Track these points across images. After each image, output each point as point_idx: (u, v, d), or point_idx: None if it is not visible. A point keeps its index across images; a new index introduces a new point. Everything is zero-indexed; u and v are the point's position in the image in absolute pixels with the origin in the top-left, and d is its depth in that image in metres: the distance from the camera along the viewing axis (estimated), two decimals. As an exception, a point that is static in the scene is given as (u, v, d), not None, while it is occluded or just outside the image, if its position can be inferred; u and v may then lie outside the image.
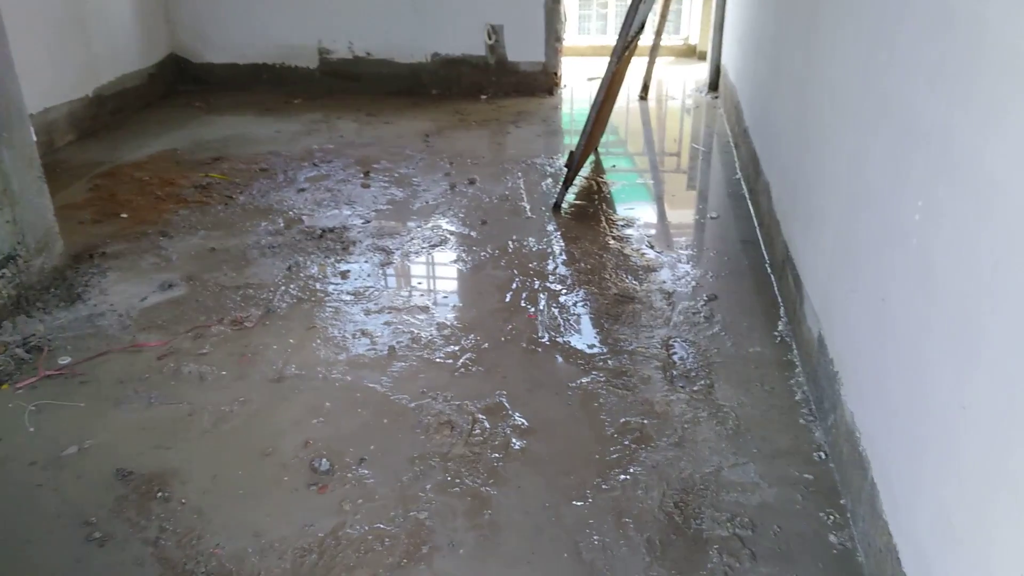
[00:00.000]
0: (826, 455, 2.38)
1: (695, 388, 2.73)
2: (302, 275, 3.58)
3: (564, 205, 4.36)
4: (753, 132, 4.52)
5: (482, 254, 3.79)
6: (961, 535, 1.48)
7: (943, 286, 1.65)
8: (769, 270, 3.57)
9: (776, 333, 3.06)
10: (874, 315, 2.08)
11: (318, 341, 3.05)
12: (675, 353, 2.94)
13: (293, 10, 6.83)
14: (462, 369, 2.86)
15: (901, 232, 1.92)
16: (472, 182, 4.73)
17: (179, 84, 7.06)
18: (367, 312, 3.26)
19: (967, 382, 1.50)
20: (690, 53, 8.16)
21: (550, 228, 4.09)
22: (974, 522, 1.45)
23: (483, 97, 6.82)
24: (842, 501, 2.20)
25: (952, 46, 1.68)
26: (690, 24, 8.43)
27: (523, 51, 6.81)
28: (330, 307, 3.30)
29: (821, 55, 2.93)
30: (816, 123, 2.93)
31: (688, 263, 3.68)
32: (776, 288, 3.39)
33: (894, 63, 2.06)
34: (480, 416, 2.59)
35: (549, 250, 3.83)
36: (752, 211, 4.22)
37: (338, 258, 3.75)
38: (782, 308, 3.23)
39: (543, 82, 6.89)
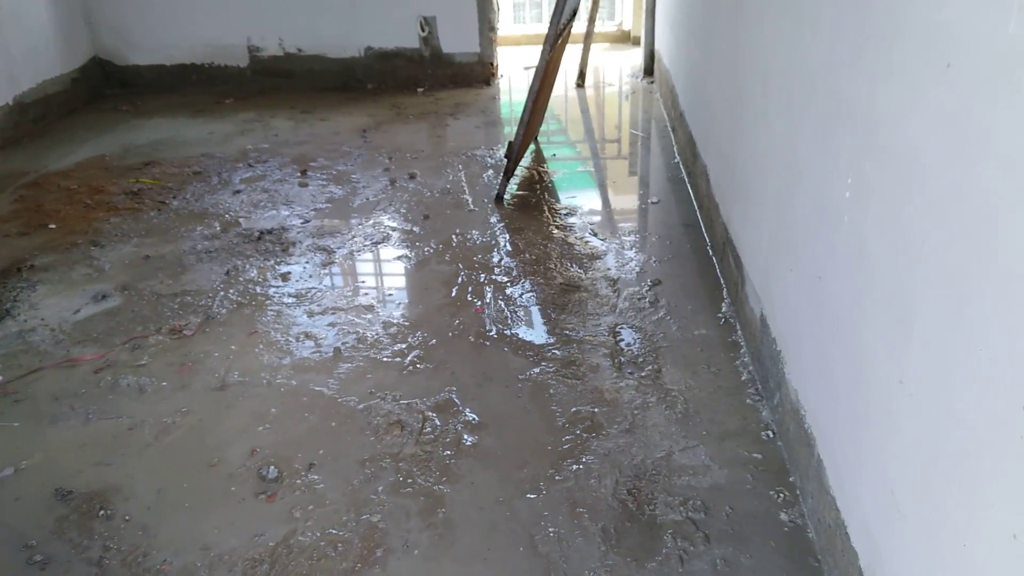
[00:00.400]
0: (774, 434, 2.42)
1: (643, 374, 2.75)
2: (241, 279, 3.50)
3: (506, 196, 4.34)
4: (689, 116, 4.56)
5: (426, 249, 3.76)
6: (905, 509, 1.52)
7: (875, 262, 1.68)
8: (711, 252, 3.62)
9: (720, 315, 3.10)
10: (812, 293, 2.12)
11: (261, 346, 2.98)
12: (622, 340, 2.96)
13: (220, 8, 6.66)
14: (410, 367, 2.83)
15: (833, 210, 1.95)
16: (412, 176, 4.68)
17: (105, 88, 6.83)
18: (310, 314, 3.20)
19: (903, 356, 1.53)
20: (625, 39, 8.21)
21: (493, 220, 4.07)
22: (916, 495, 1.48)
23: (420, 90, 6.75)
24: (791, 479, 2.24)
25: (872, 22, 1.71)
26: (624, 10, 8.47)
27: (457, 42, 6.76)
28: (272, 311, 3.23)
29: (749, 35, 2.97)
30: (748, 104, 2.96)
31: (631, 249, 3.70)
32: (718, 270, 3.44)
33: (818, 41, 2.09)
34: (430, 414, 2.57)
35: (493, 242, 3.81)
36: (692, 194, 4.27)
37: (278, 260, 3.67)
38: (725, 290, 3.27)
39: (479, 73, 6.85)
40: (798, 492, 2.18)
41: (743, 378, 2.70)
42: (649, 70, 6.78)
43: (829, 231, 1.99)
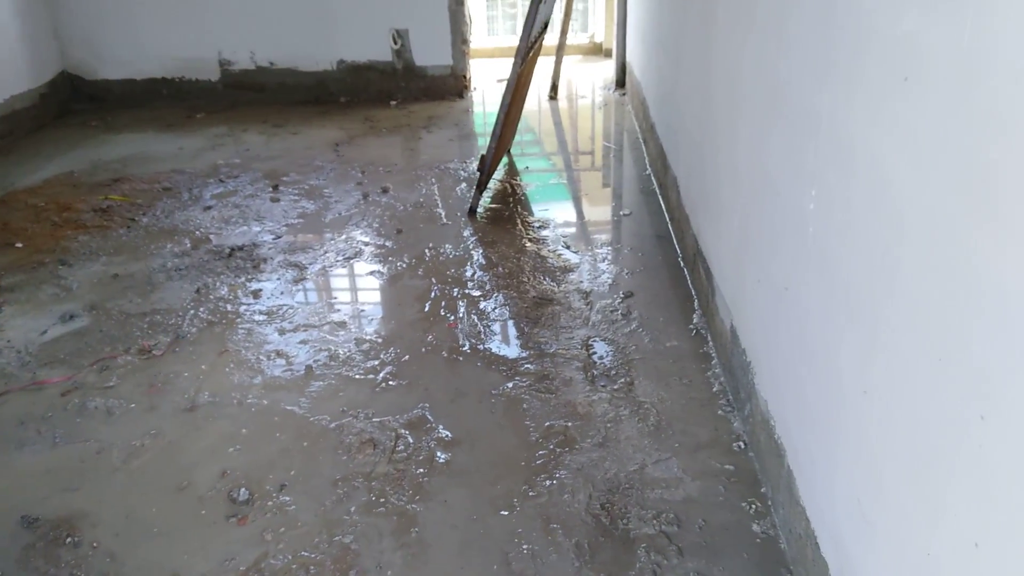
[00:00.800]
0: (745, 444, 2.43)
1: (616, 387, 2.75)
2: (212, 297, 3.46)
3: (479, 209, 4.34)
4: (659, 127, 4.60)
5: (399, 264, 3.74)
6: (872, 518, 1.53)
7: (839, 273, 1.70)
8: (682, 263, 3.64)
9: (692, 326, 3.12)
10: (779, 304, 2.14)
11: (231, 365, 2.96)
12: (595, 353, 2.96)
13: (191, 22, 6.62)
14: (383, 384, 2.82)
15: (799, 221, 1.97)
16: (385, 191, 4.67)
17: (73, 103, 6.76)
18: (282, 331, 3.18)
19: (867, 367, 1.55)
20: (597, 51, 8.26)
21: (466, 234, 4.07)
22: (882, 505, 1.49)
23: (393, 103, 6.75)
24: (763, 490, 2.25)
25: (835, 36, 1.73)
26: (596, 22, 8.53)
27: (430, 55, 6.77)
28: (243, 329, 3.21)
29: (718, 48, 3.00)
30: (717, 116, 2.99)
31: (604, 261, 3.72)
32: (689, 281, 3.46)
33: (784, 54, 2.12)
34: (403, 431, 2.56)
35: (466, 256, 3.81)
36: (663, 206, 4.29)
37: (249, 277, 3.64)
38: (696, 301, 3.29)
39: (452, 85, 6.86)
40: (770, 503, 2.20)
41: (715, 389, 2.71)
42: (621, 82, 6.82)
43: (795, 242, 2.02)
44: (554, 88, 6.81)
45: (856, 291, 1.60)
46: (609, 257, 3.77)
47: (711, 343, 2.97)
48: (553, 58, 6.81)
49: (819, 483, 1.84)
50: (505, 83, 4.36)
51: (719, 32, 2.99)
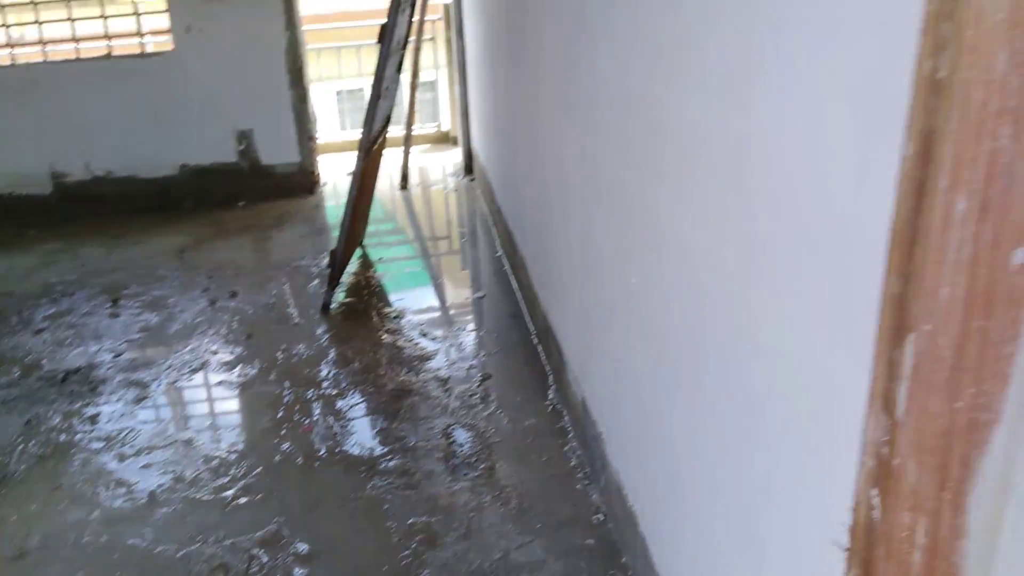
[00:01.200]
0: (604, 516, 2.46)
1: (477, 473, 2.73)
2: (43, 428, 3.21)
3: (333, 305, 4.29)
4: (505, 210, 4.73)
5: (249, 370, 3.62)
6: (711, 580, 1.57)
7: (663, 344, 1.78)
8: (536, 341, 3.71)
9: (548, 402, 3.16)
10: (618, 374, 2.21)
11: (66, 502, 2.73)
12: (455, 441, 2.94)
13: (18, 134, 6.31)
14: (234, 502, 2.68)
15: (627, 295, 2.06)
16: (234, 295, 4.54)
17: None
18: (122, 457, 2.98)
19: (698, 434, 1.61)
20: (445, 140, 8.47)
21: (320, 332, 4.00)
22: (721, 566, 1.54)
23: (241, 204, 6.62)
24: (624, 560, 2.27)
25: (635, 124, 1.86)
26: (444, 110, 8.77)
27: (277, 153, 6.73)
28: (78, 459, 2.98)
29: (546, 133, 3.14)
30: (552, 198, 3.12)
31: (461, 346, 3.74)
32: (544, 358, 3.52)
33: (598, 141, 2.25)
34: (256, 551, 2.43)
35: (320, 355, 3.73)
36: (515, 285, 4.39)
37: (86, 402, 3.41)
38: (551, 377, 3.35)
39: (302, 182, 6.83)
40: (630, 572, 2.21)
41: (572, 463, 2.74)
42: (469, 168, 7.01)
43: (623, 315, 2.10)
44: (404, 178, 6.90)
45: (682, 361, 1.68)
46: (466, 341, 3.80)
47: (567, 417, 3.02)
48: (402, 148, 6.92)
49: (670, 548, 1.88)
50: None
51: (545, 120, 3.15)
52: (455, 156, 7.79)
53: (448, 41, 7.71)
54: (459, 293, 4.55)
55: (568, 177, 2.72)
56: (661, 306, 1.77)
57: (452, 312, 4.26)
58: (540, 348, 3.62)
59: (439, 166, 7.62)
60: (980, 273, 0.69)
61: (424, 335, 3.87)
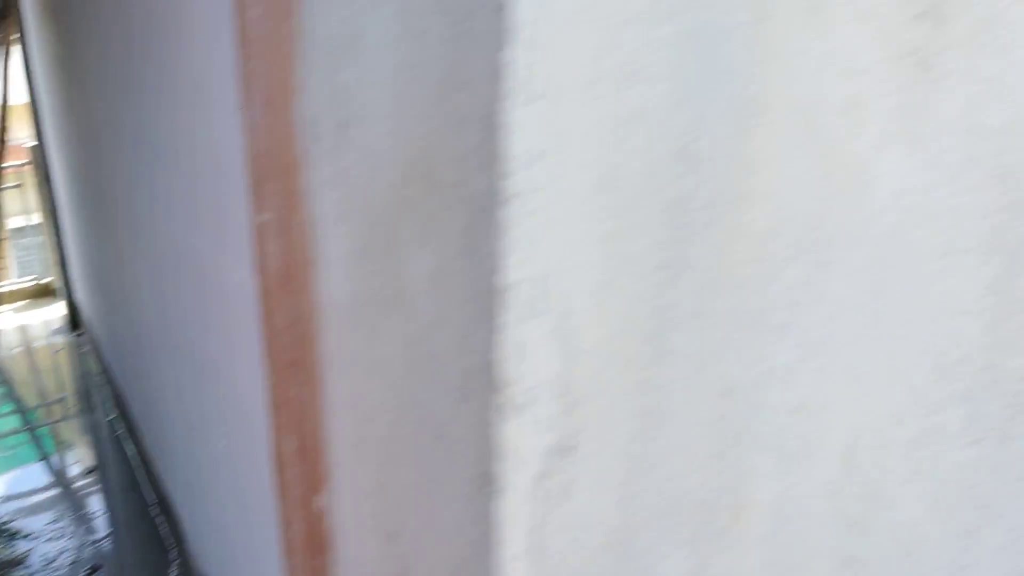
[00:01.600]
0: None
1: None
2: None
3: None
4: (114, 368, 4.32)
5: None
6: None
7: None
8: (158, 511, 3.37)
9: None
10: (226, 540, 2.08)
11: None
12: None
13: None
14: None
15: (214, 459, 1.96)
16: None
17: None
18: None
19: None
20: (47, 292, 7.60)
21: None
22: None
23: None
24: None
25: (188, 279, 1.81)
26: (42, 260, 7.89)
27: None
28: None
29: (134, 289, 2.95)
30: (147, 357, 2.91)
31: (63, 537, 3.26)
32: (167, 528, 3.20)
33: (175, 301, 2.15)
34: None
35: None
36: (132, 452, 3.98)
37: None
38: (175, 549, 3.05)
39: None
40: None
41: (199, 649, 2.49)
42: (75, 323, 6.32)
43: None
44: (-5, 342, 6.02)
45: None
46: (70, 529, 3.32)
47: (193, 593, 2.76)
48: (-12, 310, 6.05)
49: None
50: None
51: (133, 270, 2.95)
52: (60, 309, 7.01)
53: (39, 186, 7.01)
54: (66, 469, 4.00)
55: (155, 340, 2.57)
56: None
57: (56, 494, 3.72)
58: (166, 519, 3.29)
59: (41, 322, 6.77)
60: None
61: (13, 536, 3.31)
